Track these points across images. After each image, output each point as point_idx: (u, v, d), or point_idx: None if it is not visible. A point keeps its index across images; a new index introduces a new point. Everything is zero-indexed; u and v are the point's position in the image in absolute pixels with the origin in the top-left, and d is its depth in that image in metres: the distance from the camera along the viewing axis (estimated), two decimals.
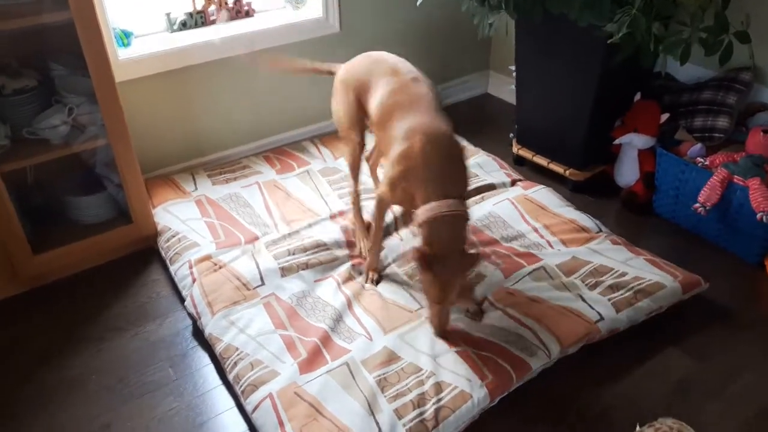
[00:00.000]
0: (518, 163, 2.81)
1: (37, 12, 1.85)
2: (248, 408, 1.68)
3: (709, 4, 1.81)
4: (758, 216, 2.00)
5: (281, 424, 1.59)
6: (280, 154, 2.80)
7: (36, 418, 1.75)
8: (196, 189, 2.55)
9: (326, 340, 1.83)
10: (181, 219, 2.37)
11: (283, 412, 1.61)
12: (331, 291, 2.00)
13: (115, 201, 2.30)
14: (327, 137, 2.93)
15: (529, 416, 1.69)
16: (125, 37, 2.37)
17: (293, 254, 2.12)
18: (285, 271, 2.06)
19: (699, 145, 2.30)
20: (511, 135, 2.85)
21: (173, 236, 2.28)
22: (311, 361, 1.75)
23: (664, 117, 2.40)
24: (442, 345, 1.78)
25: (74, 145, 2.07)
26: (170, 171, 2.65)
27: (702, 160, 2.25)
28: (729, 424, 1.65)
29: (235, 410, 1.76)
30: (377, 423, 1.57)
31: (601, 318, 1.84)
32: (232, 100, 2.70)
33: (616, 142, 2.47)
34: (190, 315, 2.04)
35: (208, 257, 2.17)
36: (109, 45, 2.13)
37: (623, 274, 1.99)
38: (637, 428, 1.47)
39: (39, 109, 2.04)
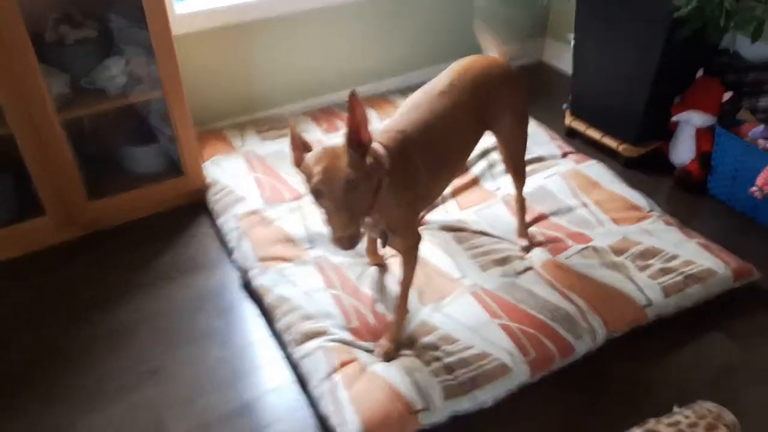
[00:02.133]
0: (570, 135, 2.76)
1: None
2: (297, 355, 1.72)
3: None
4: None
5: (331, 371, 1.64)
6: (328, 113, 2.81)
7: (89, 360, 1.83)
8: (244, 145, 2.58)
9: (373, 309, 1.86)
10: (229, 173, 2.41)
11: (336, 362, 1.66)
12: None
13: (167, 153, 2.35)
14: (374, 98, 2.93)
15: (568, 388, 1.71)
16: None
17: None
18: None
19: (762, 127, 2.22)
20: (565, 106, 2.80)
21: (221, 189, 2.33)
22: (362, 330, 1.79)
23: (727, 95, 2.32)
24: (484, 316, 1.78)
25: (130, 96, 2.11)
26: (220, 126, 2.70)
27: (764, 141, 2.18)
28: None
29: (281, 361, 1.81)
30: (415, 379, 1.61)
31: (650, 303, 1.82)
32: (283, 59, 2.71)
33: (674, 119, 2.40)
34: (238, 268, 2.09)
35: (255, 212, 2.21)
36: None
37: (674, 257, 1.95)
38: (674, 409, 1.46)
39: (98, 59, 2.08)
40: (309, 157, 1.40)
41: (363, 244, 1.99)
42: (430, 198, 1.74)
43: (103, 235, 2.26)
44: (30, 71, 1.87)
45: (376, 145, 1.50)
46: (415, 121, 1.61)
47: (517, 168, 2.00)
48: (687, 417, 1.42)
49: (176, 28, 2.24)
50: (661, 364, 1.77)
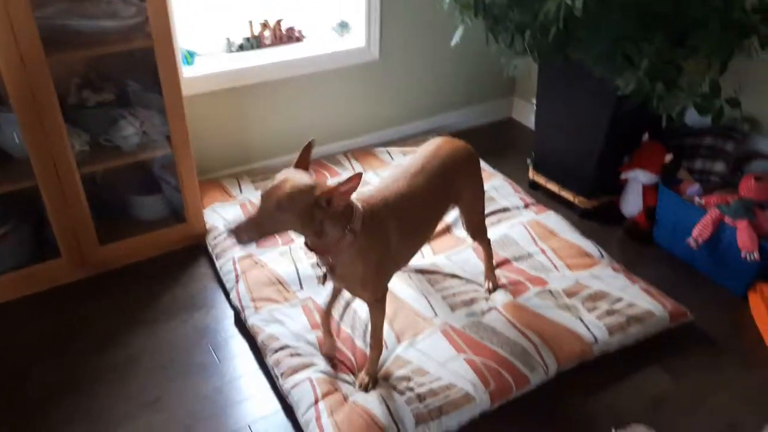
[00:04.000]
0: (533, 187, 3.06)
1: (124, 40, 2.15)
2: (286, 386, 1.93)
3: (708, 70, 2.05)
4: (743, 255, 2.24)
5: (316, 401, 1.86)
6: (316, 165, 3.08)
7: (98, 388, 2.04)
8: (241, 193, 2.84)
9: (353, 347, 2.09)
10: (226, 219, 2.65)
11: (320, 392, 1.89)
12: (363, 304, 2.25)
13: (171, 201, 2.60)
14: (358, 151, 3.21)
15: (523, 413, 1.94)
16: (190, 57, 2.66)
17: None
18: (321, 279, 2.33)
19: (697, 186, 2.54)
20: (529, 161, 3.10)
21: (219, 234, 2.57)
22: (343, 365, 2.02)
23: (668, 157, 2.63)
24: (451, 351, 2.02)
25: (142, 153, 2.36)
26: (218, 175, 2.95)
27: (698, 199, 2.48)
28: None
29: (271, 392, 2.03)
30: (389, 407, 1.84)
31: (596, 341, 2.07)
32: (277, 116, 2.99)
33: (623, 176, 2.71)
34: (233, 307, 2.33)
35: (250, 256, 2.45)
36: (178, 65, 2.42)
37: (619, 300, 2.22)
38: (613, 430, 1.72)
39: (115, 120, 2.33)
40: (286, 170, 1.62)
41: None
42: (400, 260, 1.94)
43: (112, 275, 2.49)
44: (57, 130, 2.11)
45: (356, 206, 1.72)
46: (395, 191, 1.86)
47: (476, 233, 2.23)
48: None
49: (183, 90, 2.50)
50: (604, 394, 2.02)
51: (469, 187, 2.09)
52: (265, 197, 1.58)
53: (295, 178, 1.60)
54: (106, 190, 2.54)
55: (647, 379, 2.07)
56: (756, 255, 2.21)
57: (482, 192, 2.19)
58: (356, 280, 1.78)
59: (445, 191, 1.98)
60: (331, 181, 2.96)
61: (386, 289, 1.89)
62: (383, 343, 2.01)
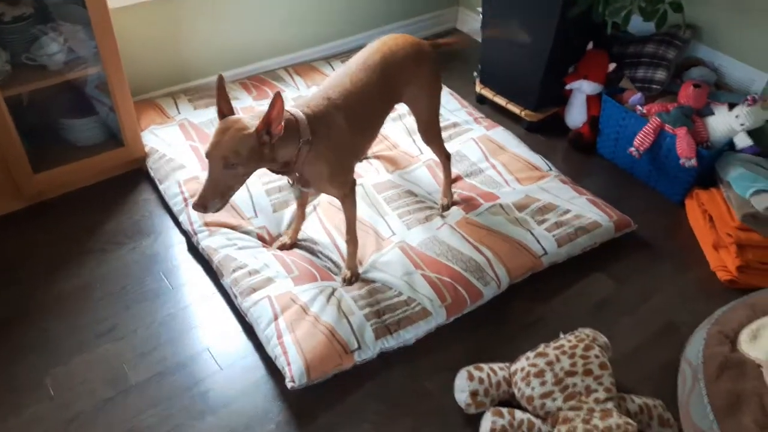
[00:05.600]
0: (480, 101, 3.04)
1: None
2: (245, 305, 1.93)
3: None
4: (681, 162, 2.32)
5: (276, 317, 1.88)
6: (257, 81, 2.95)
7: (49, 320, 1.99)
8: (179, 113, 2.70)
9: (313, 264, 2.10)
10: (166, 142, 2.54)
11: (278, 309, 1.90)
12: (314, 224, 2.26)
13: (107, 124, 2.45)
14: (300, 66, 3.09)
15: (475, 323, 2.02)
16: None
17: (281, 191, 2.34)
18: (276, 207, 2.30)
19: (639, 95, 2.58)
20: (475, 74, 3.06)
21: (161, 158, 2.46)
22: (302, 277, 2.02)
23: (612, 66, 2.65)
24: (409, 268, 2.06)
25: (70, 71, 2.19)
26: (153, 95, 2.79)
27: (640, 108, 2.53)
28: (637, 335, 2.02)
29: (228, 315, 2.03)
30: (350, 322, 1.88)
31: (545, 252, 2.14)
32: (213, 29, 2.81)
33: (568, 87, 2.73)
34: (184, 232, 2.27)
35: (196, 178, 2.37)
36: None
37: (567, 212, 2.28)
38: (561, 335, 1.81)
39: (36, 36, 2.13)
40: (220, 122, 1.62)
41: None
42: (358, 152, 1.97)
43: (50, 205, 2.37)
44: None
45: (300, 116, 1.71)
46: (340, 91, 1.85)
47: (427, 135, 2.21)
48: (570, 341, 1.76)
49: (109, 2, 2.30)
50: (552, 300, 2.11)
51: (417, 82, 2.06)
52: (210, 160, 1.59)
53: (228, 128, 1.59)
54: (36, 113, 2.36)
55: (591, 285, 2.18)
56: (694, 161, 2.30)
57: (435, 90, 2.14)
58: (323, 180, 1.85)
59: (389, 85, 1.98)
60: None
61: (353, 181, 1.94)
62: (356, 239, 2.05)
